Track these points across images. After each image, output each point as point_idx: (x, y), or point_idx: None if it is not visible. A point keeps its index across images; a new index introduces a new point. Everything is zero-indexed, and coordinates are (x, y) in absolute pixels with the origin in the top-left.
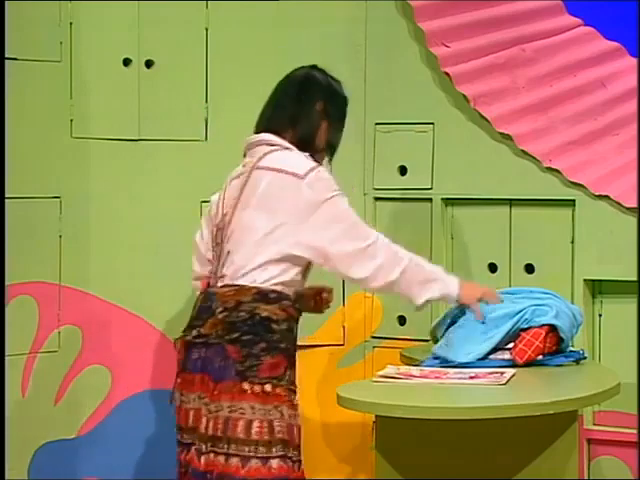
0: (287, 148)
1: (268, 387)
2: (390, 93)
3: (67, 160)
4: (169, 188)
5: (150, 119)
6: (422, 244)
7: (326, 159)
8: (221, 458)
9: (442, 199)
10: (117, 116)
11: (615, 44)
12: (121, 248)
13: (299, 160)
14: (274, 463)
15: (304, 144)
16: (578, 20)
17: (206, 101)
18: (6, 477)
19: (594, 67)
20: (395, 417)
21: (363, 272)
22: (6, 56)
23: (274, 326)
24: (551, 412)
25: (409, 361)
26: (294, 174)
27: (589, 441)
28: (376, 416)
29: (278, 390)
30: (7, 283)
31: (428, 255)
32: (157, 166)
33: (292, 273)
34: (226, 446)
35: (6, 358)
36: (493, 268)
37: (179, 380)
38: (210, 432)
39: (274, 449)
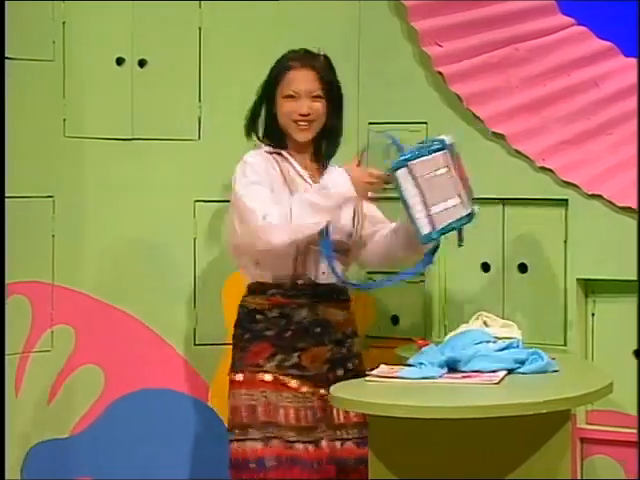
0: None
1: (249, 375)
2: (383, 92)
3: (60, 159)
4: (162, 187)
5: (143, 118)
6: None
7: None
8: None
9: None
10: (110, 115)
11: (608, 44)
12: (115, 247)
13: None
14: (258, 445)
15: (265, 134)
16: (571, 20)
17: (199, 100)
18: (6, 477)
19: (587, 67)
20: (389, 417)
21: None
22: (6, 56)
23: (258, 316)
24: (544, 411)
25: (403, 360)
26: None
27: (582, 440)
28: (370, 416)
29: (260, 376)
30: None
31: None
32: (150, 165)
33: (261, 264)
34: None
35: (6, 358)
36: (486, 267)
37: None
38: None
39: (259, 432)
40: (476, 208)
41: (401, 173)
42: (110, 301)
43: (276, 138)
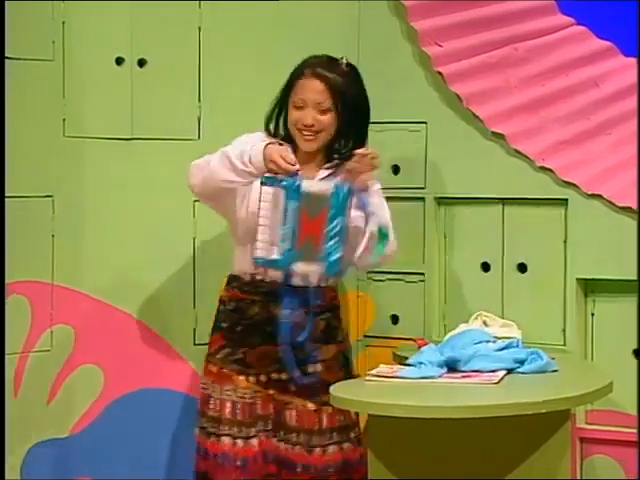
0: None
1: (205, 364)
2: (383, 92)
3: (60, 159)
4: (162, 187)
5: (143, 118)
6: (415, 243)
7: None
8: None
9: (435, 198)
10: (110, 115)
11: (607, 43)
12: (114, 247)
13: None
14: (198, 432)
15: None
16: (570, 19)
17: (199, 100)
18: (5, 477)
19: (586, 66)
20: (389, 416)
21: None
22: (6, 55)
23: (221, 307)
24: (544, 411)
25: (402, 360)
26: None
27: (582, 440)
28: (369, 415)
29: (210, 367)
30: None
31: (421, 254)
32: (150, 165)
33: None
34: None
35: (6, 357)
36: (486, 267)
37: None
38: None
39: (201, 420)
40: (299, 266)
41: (267, 189)
42: (110, 301)
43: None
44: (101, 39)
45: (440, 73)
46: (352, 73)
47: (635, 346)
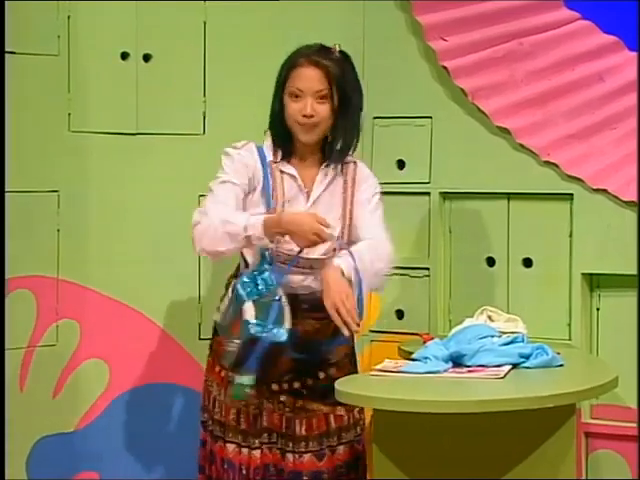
0: None
1: (209, 360)
2: (388, 87)
3: (65, 154)
4: (167, 182)
5: (148, 113)
6: (420, 238)
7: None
8: None
9: (440, 193)
10: (115, 110)
11: (613, 38)
12: (119, 242)
13: None
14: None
15: (271, 133)
16: (576, 14)
17: (204, 95)
18: (5, 471)
19: (592, 61)
20: (394, 411)
21: None
22: (11, 50)
23: None
24: (549, 405)
25: (407, 355)
26: None
27: (587, 435)
28: (374, 410)
29: (216, 367)
30: (6, 277)
31: (426, 249)
32: (155, 160)
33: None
34: None
35: (11, 352)
36: (491, 262)
37: None
38: None
39: (203, 415)
40: None
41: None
42: (115, 295)
43: (281, 139)
44: (106, 34)
45: (445, 68)
46: (346, 61)
47: None
